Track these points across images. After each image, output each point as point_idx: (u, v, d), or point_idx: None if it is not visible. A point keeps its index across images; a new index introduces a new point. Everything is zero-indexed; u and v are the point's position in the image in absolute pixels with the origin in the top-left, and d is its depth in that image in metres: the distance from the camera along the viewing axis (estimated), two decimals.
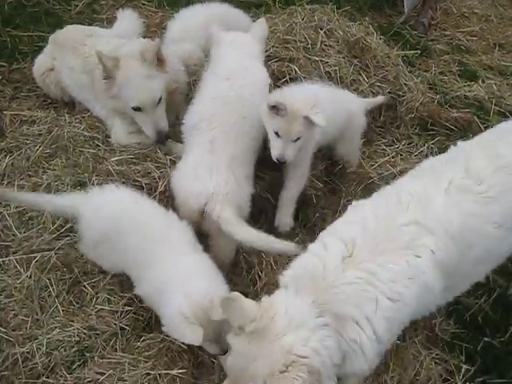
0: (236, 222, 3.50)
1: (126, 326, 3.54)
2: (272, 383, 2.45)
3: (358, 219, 2.86)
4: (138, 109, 4.17)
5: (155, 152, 4.24)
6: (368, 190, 4.23)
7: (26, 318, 3.55)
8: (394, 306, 2.63)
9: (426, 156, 4.59)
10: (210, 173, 3.64)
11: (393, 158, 4.55)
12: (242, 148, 3.81)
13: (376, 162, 4.47)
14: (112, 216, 3.45)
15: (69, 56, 4.74)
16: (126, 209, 3.48)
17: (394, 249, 2.67)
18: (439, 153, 4.47)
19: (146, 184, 3.98)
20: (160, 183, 3.99)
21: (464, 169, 2.97)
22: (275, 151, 3.61)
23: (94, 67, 4.48)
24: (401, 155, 4.62)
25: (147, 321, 3.60)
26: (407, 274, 2.65)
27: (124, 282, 3.68)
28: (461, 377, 3.36)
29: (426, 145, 4.75)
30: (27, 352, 3.39)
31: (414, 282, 2.67)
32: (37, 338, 3.45)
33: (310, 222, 4.19)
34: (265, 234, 3.47)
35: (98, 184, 3.98)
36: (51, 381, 3.29)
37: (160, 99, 4.19)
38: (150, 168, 4.07)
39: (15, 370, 3.33)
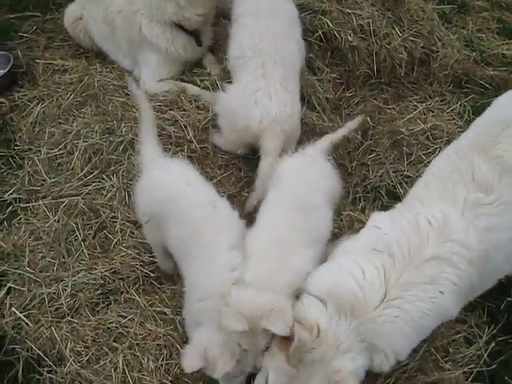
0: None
1: (151, 272, 3.57)
2: None
3: (385, 247, 2.82)
4: None
5: (181, 100, 4.21)
6: (398, 146, 4.17)
7: (52, 261, 3.62)
8: (419, 338, 2.81)
9: (459, 114, 4.47)
10: (269, 96, 3.70)
11: (424, 114, 4.42)
12: (289, 68, 3.87)
13: (407, 118, 4.35)
14: (159, 197, 3.22)
15: (92, 5, 4.70)
16: (174, 194, 3.18)
17: (419, 283, 2.70)
18: (472, 111, 4.41)
19: (174, 132, 3.98)
20: (188, 132, 3.99)
21: (472, 179, 2.89)
22: None
23: (114, 16, 4.48)
24: (432, 112, 4.49)
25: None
26: (433, 311, 2.71)
27: None
28: (483, 336, 3.30)
29: (459, 102, 4.59)
30: (53, 293, 3.48)
31: (438, 316, 2.78)
32: (63, 280, 3.53)
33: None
34: None
35: (125, 131, 4.01)
36: (75, 321, 3.36)
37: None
38: (177, 116, 4.05)
39: (42, 309, 3.41)
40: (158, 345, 3.23)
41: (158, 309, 3.38)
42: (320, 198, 3.21)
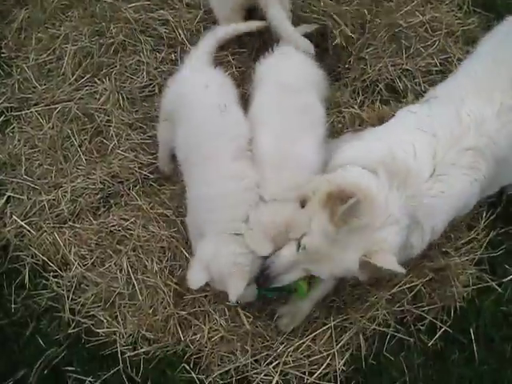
0: None
1: (150, 174, 3.53)
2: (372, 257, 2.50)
3: (429, 128, 2.84)
4: None
5: None
6: (396, 39, 4.03)
7: (50, 168, 3.57)
8: (454, 214, 2.86)
9: (458, 5, 4.27)
10: None
11: (422, 6, 4.22)
12: None
13: (404, 10, 4.16)
14: (178, 94, 3.18)
15: None
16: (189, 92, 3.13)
17: (460, 167, 2.77)
18: (471, 2, 4.24)
19: (165, 33, 3.86)
20: (180, 33, 3.86)
21: (510, 86, 2.91)
22: None
23: None
24: (431, 3, 4.26)
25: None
26: (468, 192, 2.82)
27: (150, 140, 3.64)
28: (482, 221, 3.31)
29: None
30: (53, 199, 3.46)
31: (468, 200, 2.88)
32: (61, 186, 3.50)
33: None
34: None
35: (116, 33, 3.86)
36: (77, 225, 3.35)
37: None
38: (167, 15, 3.89)
39: (42, 216, 3.40)
40: (161, 247, 3.24)
41: (159, 211, 3.36)
42: (304, 81, 3.24)
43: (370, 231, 2.56)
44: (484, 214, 3.32)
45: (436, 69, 3.94)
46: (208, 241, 2.81)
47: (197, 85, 3.13)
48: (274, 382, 2.91)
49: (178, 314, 3.06)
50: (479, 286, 3.14)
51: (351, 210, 2.47)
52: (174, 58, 3.82)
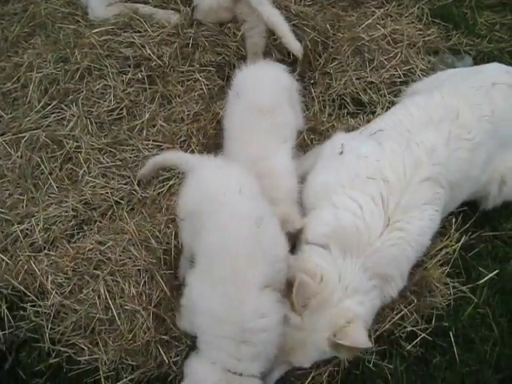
0: None
1: (121, 200, 3.54)
2: (340, 336, 2.53)
3: (379, 174, 2.93)
4: None
5: (134, 21, 4.09)
6: (359, 52, 4.15)
7: (21, 197, 3.56)
8: (417, 256, 2.99)
9: (418, 17, 4.45)
10: None
11: (383, 19, 4.38)
12: None
13: (366, 24, 4.30)
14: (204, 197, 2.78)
15: None
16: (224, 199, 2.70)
17: (418, 204, 2.89)
18: (430, 14, 4.42)
19: (131, 53, 3.91)
20: (146, 50, 3.92)
21: (456, 116, 3.11)
22: None
23: None
24: (391, 17, 4.45)
25: (142, 198, 3.56)
26: (430, 228, 2.97)
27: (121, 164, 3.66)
28: (453, 229, 3.39)
29: (417, 5, 4.54)
30: (26, 229, 3.43)
31: (432, 232, 3.02)
32: (34, 215, 3.48)
33: None
34: None
35: (81, 58, 3.89)
36: (53, 253, 3.33)
37: None
38: (132, 37, 3.96)
39: (17, 245, 3.37)
40: (138, 270, 3.22)
41: (133, 235, 3.35)
42: (279, 96, 3.32)
43: (330, 307, 2.64)
44: (454, 221, 3.40)
45: (400, 80, 4.10)
46: (207, 364, 2.53)
47: (228, 188, 2.74)
48: None
49: (159, 338, 3.03)
50: (456, 295, 3.21)
51: (302, 293, 2.58)
52: (140, 77, 3.87)
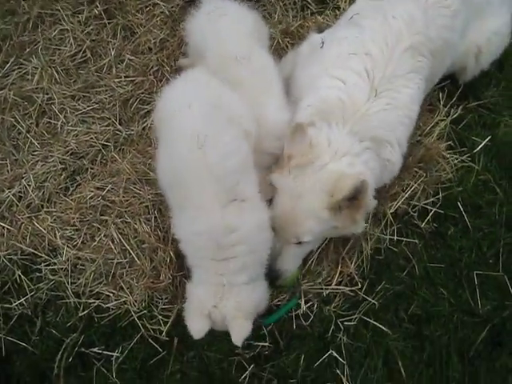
0: None
1: (108, 142, 3.43)
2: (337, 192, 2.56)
3: (361, 49, 2.88)
4: None
5: None
6: None
7: (3, 162, 3.42)
8: (411, 124, 2.98)
9: None
10: None
11: None
12: None
13: None
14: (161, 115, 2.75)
15: None
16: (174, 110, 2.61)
17: (403, 74, 2.87)
18: None
19: None
20: None
21: None
22: None
23: None
24: None
25: (128, 136, 3.46)
26: (417, 95, 2.95)
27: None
28: (441, 105, 3.44)
29: None
30: (19, 192, 3.31)
31: (420, 99, 3.03)
32: (22, 177, 3.35)
33: None
34: None
35: (29, 7, 3.70)
36: (53, 209, 3.23)
37: None
38: None
39: (14, 210, 3.25)
40: (145, 206, 3.17)
41: (130, 174, 3.27)
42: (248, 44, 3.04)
43: (319, 170, 2.64)
44: (441, 96, 3.43)
45: None
46: (202, 286, 2.56)
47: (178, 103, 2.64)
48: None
49: (183, 272, 2.99)
50: (457, 166, 3.28)
51: (297, 141, 2.63)
52: (97, 12, 3.70)
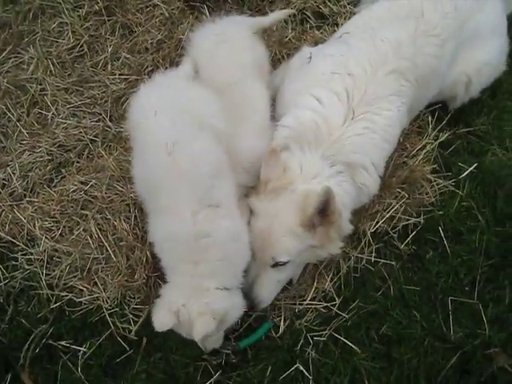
0: None
1: (96, 138, 3.42)
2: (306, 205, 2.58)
3: (344, 68, 2.89)
4: None
5: None
6: None
7: None
8: (390, 147, 2.97)
9: None
10: None
11: None
12: None
13: None
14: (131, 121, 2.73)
15: None
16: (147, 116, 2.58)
17: (385, 95, 2.86)
18: None
19: None
20: None
21: (421, 14, 3.07)
22: None
23: None
24: None
25: (117, 133, 3.45)
26: (398, 119, 2.93)
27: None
28: (430, 129, 3.43)
29: None
30: (3, 179, 3.31)
31: (400, 125, 3.02)
32: (8, 165, 3.35)
33: None
34: None
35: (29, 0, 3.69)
36: (35, 199, 3.22)
37: None
38: None
39: None
40: (126, 204, 3.15)
41: (115, 171, 3.25)
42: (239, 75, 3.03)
43: (291, 193, 2.66)
44: (430, 119, 3.44)
45: None
46: (175, 287, 2.55)
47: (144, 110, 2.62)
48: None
49: (159, 273, 2.95)
50: (441, 191, 3.27)
51: (271, 165, 2.68)
52: (97, 8, 3.72)
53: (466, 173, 3.34)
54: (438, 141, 3.35)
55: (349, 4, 3.96)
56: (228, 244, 2.51)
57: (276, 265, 2.74)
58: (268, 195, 2.68)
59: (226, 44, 3.09)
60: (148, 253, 2.99)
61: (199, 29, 3.22)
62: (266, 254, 2.71)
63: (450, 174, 3.34)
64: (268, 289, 2.82)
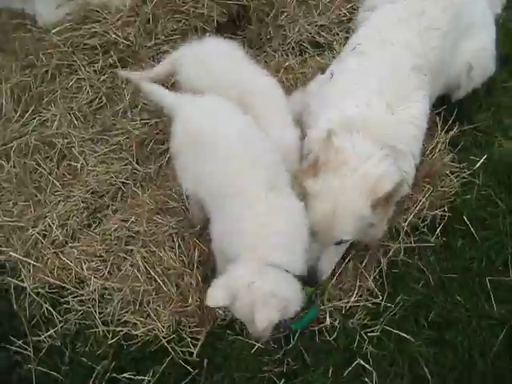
0: None
1: (127, 180, 3.56)
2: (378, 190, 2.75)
3: (366, 73, 3.19)
4: None
5: (90, 12, 4.09)
6: (304, 1, 4.39)
7: (26, 203, 3.52)
8: (422, 136, 3.21)
9: None
10: None
11: None
12: None
13: None
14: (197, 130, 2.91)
15: None
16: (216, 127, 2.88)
17: (411, 90, 3.14)
18: None
19: (98, 43, 3.92)
20: (111, 35, 3.94)
21: (422, 12, 3.36)
22: None
23: None
24: None
25: (146, 174, 3.61)
26: (425, 109, 3.20)
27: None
28: (439, 129, 3.67)
29: None
30: (43, 230, 3.39)
31: (427, 113, 3.24)
32: (45, 216, 3.44)
33: None
34: None
35: (47, 60, 3.88)
36: (78, 244, 3.31)
37: None
38: (93, 27, 3.97)
39: (39, 246, 3.33)
40: (169, 235, 3.27)
41: (151, 206, 3.39)
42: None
43: (355, 172, 2.80)
44: (438, 119, 3.68)
45: (346, 18, 4.33)
46: (243, 266, 2.58)
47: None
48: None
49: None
50: (459, 181, 3.47)
51: (326, 151, 2.83)
52: (112, 61, 3.90)
53: (478, 164, 3.54)
54: (449, 135, 3.56)
55: (340, 31, 4.25)
56: (292, 224, 2.70)
57: (340, 242, 2.90)
58: (325, 176, 2.80)
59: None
60: (198, 276, 3.10)
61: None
62: (329, 234, 2.84)
63: (464, 168, 3.53)
64: (331, 264, 3.01)
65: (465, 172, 3.50)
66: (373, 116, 2.98)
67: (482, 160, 3.54)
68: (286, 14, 4.34)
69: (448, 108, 3.76)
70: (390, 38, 3.24)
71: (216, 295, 2.49)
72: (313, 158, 2.90)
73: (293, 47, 4.18)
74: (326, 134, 2.83)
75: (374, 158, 2.84)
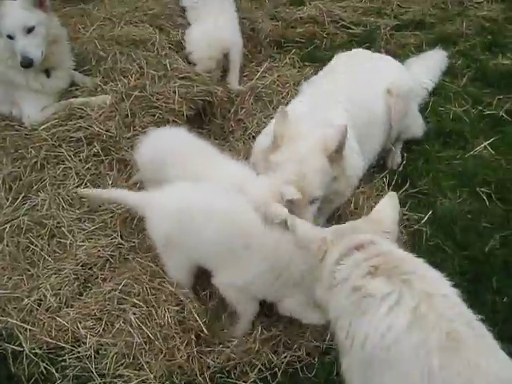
0: None
1: (113, 253, 3.88)
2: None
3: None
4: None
5: (74, 109, 4.59)
6: (260, 98, 5.06)
7: (20, 277, 3.76)
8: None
9: (291, 64, 5.56)
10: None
11: (270, 69, 5.53)
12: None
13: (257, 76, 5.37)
14: (177, 215, 3.30)
15: None
16: (194, 204, 3.28)
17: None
18: (300, 60, 5.52)
19: (83, 135, 4.37)
20: (94, 128, 4.40)
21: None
22: None
23: None
24: (271, 70, 5.52)
25: (130, 247, 3.94)
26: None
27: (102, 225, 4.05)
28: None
29: (288, 57, 5.72)
30: (38, 299, 3.63)
31: None
32: (39, 288, 3.69)
33: None
34: None
35: (36, 152, 4.32)
36: (71, 310, 3.56)
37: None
38: (78, 122, 4.45)
39: (34, 313, 3.55)
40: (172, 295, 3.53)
41: (140, 271, 3.69)
42: None
43: (309, 136, 3.45)
44: (385, 181, 4.31)
45: None
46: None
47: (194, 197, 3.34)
48: None
49: (200, 350, 3.34)
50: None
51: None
52: (96, 151, 4.34)
53: (425, 219, 4.09)
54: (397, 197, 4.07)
55: None
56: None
57: (313, 201, 3.37)
58: (286, 146, 3.37)
59: None
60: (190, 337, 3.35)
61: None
62: (304, 195, 3.26)
63: (413, 223, 4.07)
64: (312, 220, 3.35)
65: (413, 226, 4.00)
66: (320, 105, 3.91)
67: (427, 215, 4.08)
68: (244, 110, 5.00)
69: (390, 173, 4.40)
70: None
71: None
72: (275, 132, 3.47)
73: (253, 136, 4.74)
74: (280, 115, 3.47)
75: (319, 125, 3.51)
